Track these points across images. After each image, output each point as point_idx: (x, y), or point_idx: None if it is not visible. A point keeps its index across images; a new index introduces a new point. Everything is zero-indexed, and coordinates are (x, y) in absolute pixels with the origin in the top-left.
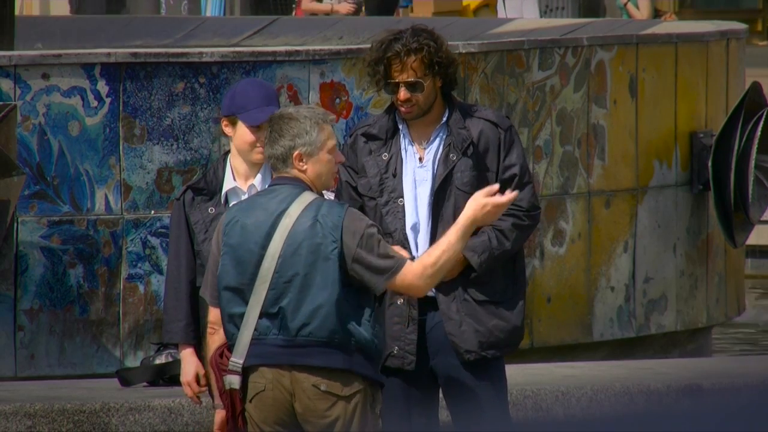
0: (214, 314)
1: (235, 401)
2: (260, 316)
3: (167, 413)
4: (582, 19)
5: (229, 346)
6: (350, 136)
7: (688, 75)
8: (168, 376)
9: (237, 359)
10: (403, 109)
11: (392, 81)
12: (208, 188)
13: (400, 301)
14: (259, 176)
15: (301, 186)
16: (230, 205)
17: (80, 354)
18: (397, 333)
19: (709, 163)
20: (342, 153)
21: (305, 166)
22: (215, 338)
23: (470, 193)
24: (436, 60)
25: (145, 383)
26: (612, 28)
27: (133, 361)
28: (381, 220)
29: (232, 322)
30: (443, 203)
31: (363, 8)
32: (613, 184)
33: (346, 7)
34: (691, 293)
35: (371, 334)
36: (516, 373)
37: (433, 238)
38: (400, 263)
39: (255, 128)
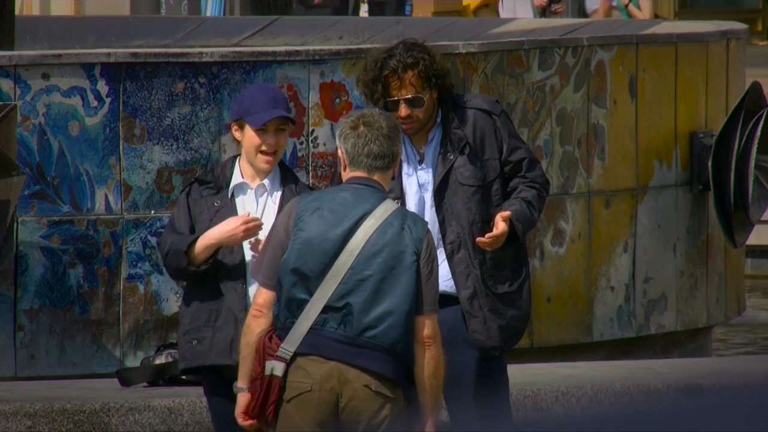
0: (263, 297)
1: (273, 388)
2: (323, 309)
3: (167, 413)
4: (582, 19)
5: (278, 328)
6: None
7: (688, 75)
8: (168, 376)
9: (288, 347)
10: (404, 126)
11: (392, 99)
12: (215, 183)
13: None
14: (266, 181)
15: (382, 191)
16: (236, 200)
17: (80, 354)
18: None
19: (709, 163)
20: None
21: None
22: (261, 321)
23: (475, 186)
24: (432, 73)
25: (145, 383)
26: (612, 28)
27: (133, 361)
28: None
29: (289, 307)
30: (450, 200)
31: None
32: (613, 184)
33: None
34: (691, 293)
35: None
36: (516, 373)
37: (444, 237)
38: (437, 309)
39: (261, 131)
